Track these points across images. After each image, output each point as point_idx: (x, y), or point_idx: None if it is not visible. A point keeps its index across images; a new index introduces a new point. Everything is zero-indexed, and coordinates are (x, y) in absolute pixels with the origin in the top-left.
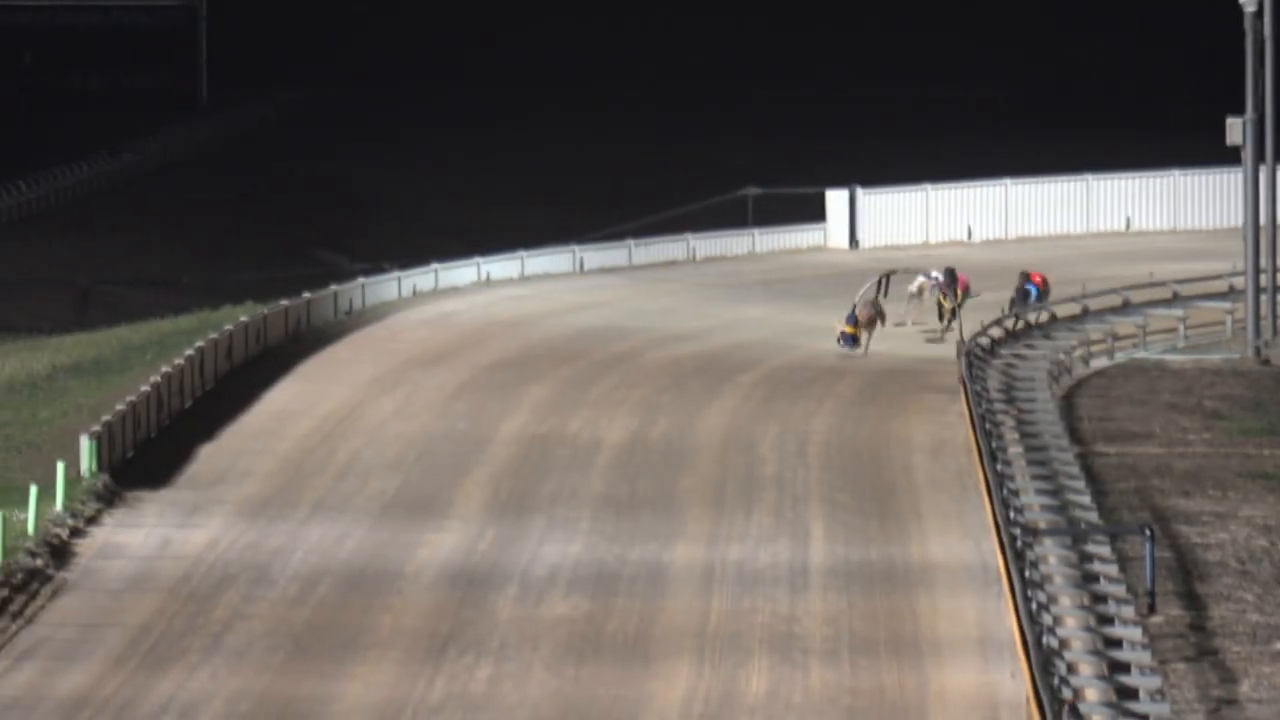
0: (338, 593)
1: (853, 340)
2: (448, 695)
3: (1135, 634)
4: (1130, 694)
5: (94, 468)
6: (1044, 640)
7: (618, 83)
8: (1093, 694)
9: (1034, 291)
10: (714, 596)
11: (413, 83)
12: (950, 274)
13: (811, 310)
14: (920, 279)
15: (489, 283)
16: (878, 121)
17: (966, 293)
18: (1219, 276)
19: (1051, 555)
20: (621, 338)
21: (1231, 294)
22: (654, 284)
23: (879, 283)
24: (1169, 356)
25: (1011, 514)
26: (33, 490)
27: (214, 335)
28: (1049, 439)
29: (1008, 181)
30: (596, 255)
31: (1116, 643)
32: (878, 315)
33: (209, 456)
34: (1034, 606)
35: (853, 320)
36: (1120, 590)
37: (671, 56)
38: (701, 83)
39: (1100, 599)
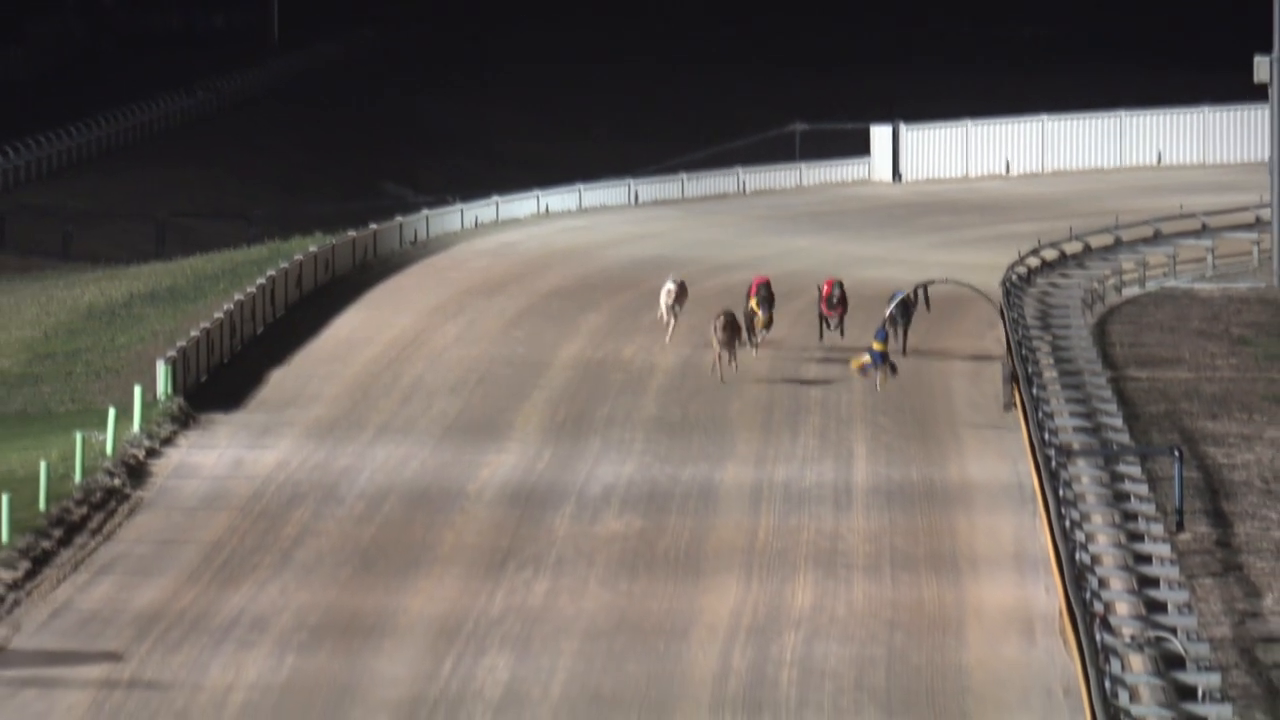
0: (402, 510)
1: (882, 357)
2: (507, 608)
3: (1164, 550)
4: (1159, 607)
5: (169, 391)
6: (1077, 556)
7: (675, 23)
8: (1123, 608)
9: (899, 295)
10: (762, 514)
11: (479, 20)
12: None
13: (856, 241)
14: (668, 284)
15: (548, 214)
16: (923, 59)
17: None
18: (1246, 209)
19: (1084, 475)
20: (674, 267)
21: (1258, 225)
22: (705, 216)
23: (915, 292)
24: (1198, 285)
25: (1046, 435)
26: (111, 413)
27: (284, 265)
28: (1083, 364)
29: (1044, 118)
30: (651, 188)
31: (1146, 559)
32: (741, 325)
33: (279, 380)
34: (1067, 524)
35: (882, 336)
36: (1150, 509)
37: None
38: (758, 18)
39: (1131, 517)
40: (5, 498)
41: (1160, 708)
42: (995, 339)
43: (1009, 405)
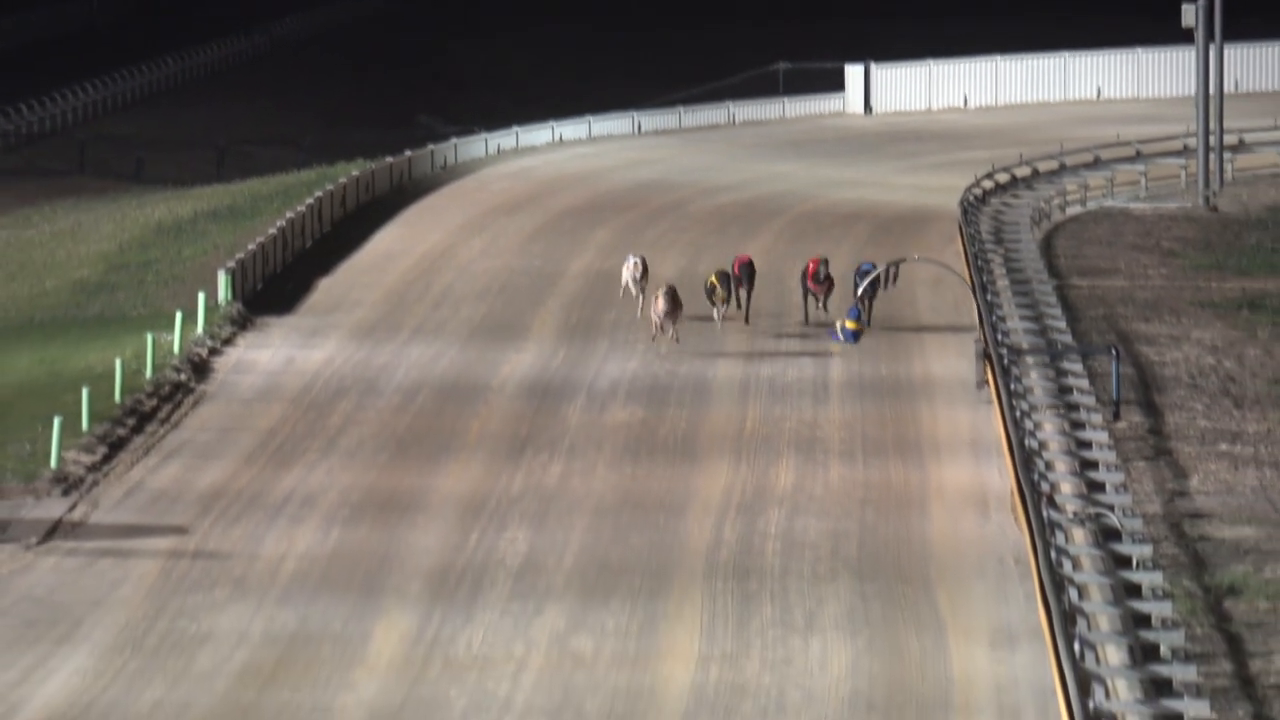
0: (433, 402)
1: (855, 336)
2: (525, 488)
3: (1103, 437)
4: (1098, 487)
5: (229, 297)
6: (1026, 442)
7: None
8: (1066, 487)
9: (870, 268)
10: (749, 406)
11: None
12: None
13: (832, 166)
14: (630, 261)
15: (561, 143)
16: (891, 6)
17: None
18: (1174, 138)
19: (1033, 371)
20: (672, 189)
21: (1185, 152)
22: (700, 144)
23: (887, 270)
24: (1132, 205)
25: (999, 336)
26: (178, 316)
27: (330, 187)
28: (1031, 274)
29: (998, 58)
30: (652, 119)
31: (1087, 445)
32: (677, 305)
33: (326, 288)
34: (1018, 414)
35: (855, 314)
36: (1090, 401)
37: None
38: None
39: (1073, 408)
40: (85, 391)
41: (1099, 575)
42: (954, 252)
43: (982, 384)
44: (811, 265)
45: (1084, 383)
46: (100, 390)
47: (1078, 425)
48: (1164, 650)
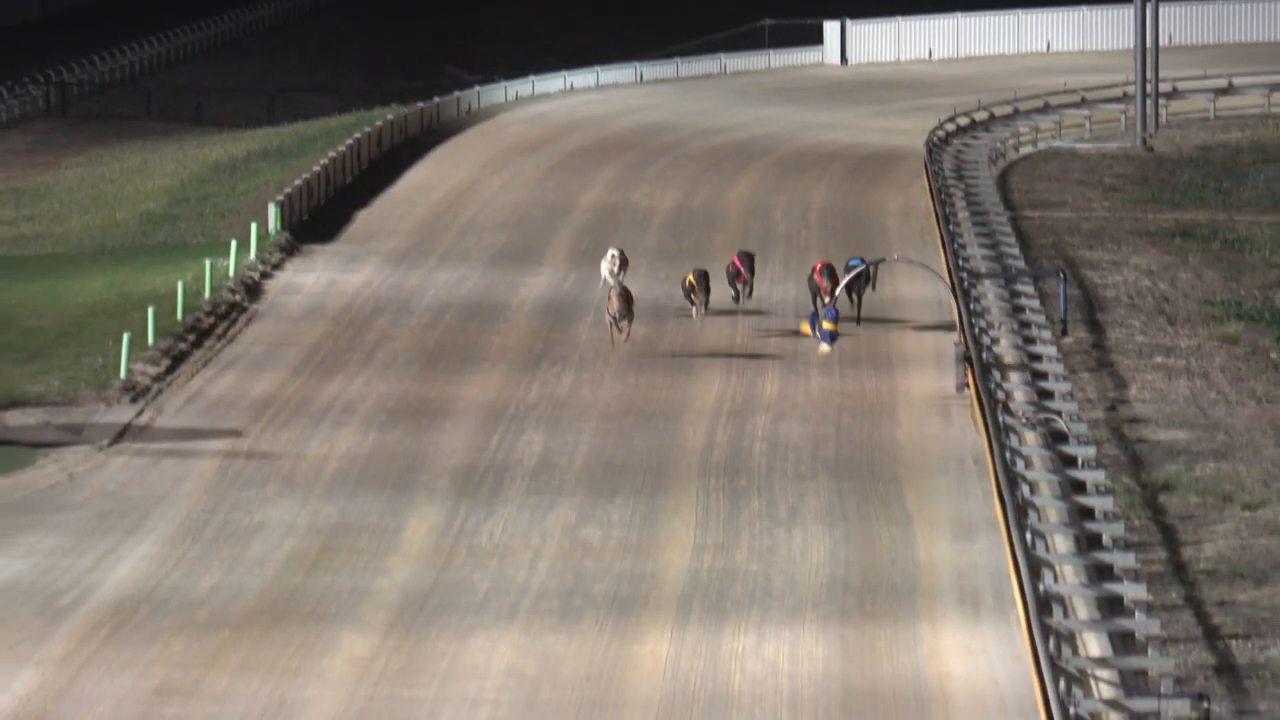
0: (459, 320)
1: (832, 337)
2: (540, 396)
3: (1051, 351)
4: (1047, 395)
5: (279, 227)
6: (984, 355)
7: None
8: (1019, 395)
9: (858, 263)
10: (738, 325)
11: None
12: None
13: (812, 111)
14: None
15: (572, 90)
16: None
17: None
18: (1116, 86)
19: (990, 293)
20: (671, 131)
21: (1125, 99)
22: (695, 91)
23: (870, 268)
24: (1078, 145)
25: (960, 262)
26: (233, 244)
27: (368, 129)
28: (988, 206)
29: (959, 15)
30: (653, 69)
31: (1037, 358)
32: (628, 301)
33: (364, 219)
34: (977, 331)
35: (833, 315)
36: (1040, 319)
37: None
38: None
39: (1026, 325)
40: (151, 310)
41: (1048, 473)
42: (920, 188)
43: (962, 386)
44: (818, 266)
45: (1035, 303)
46: (164, 309)
47: (1029, 340)
48: (1106, 539)
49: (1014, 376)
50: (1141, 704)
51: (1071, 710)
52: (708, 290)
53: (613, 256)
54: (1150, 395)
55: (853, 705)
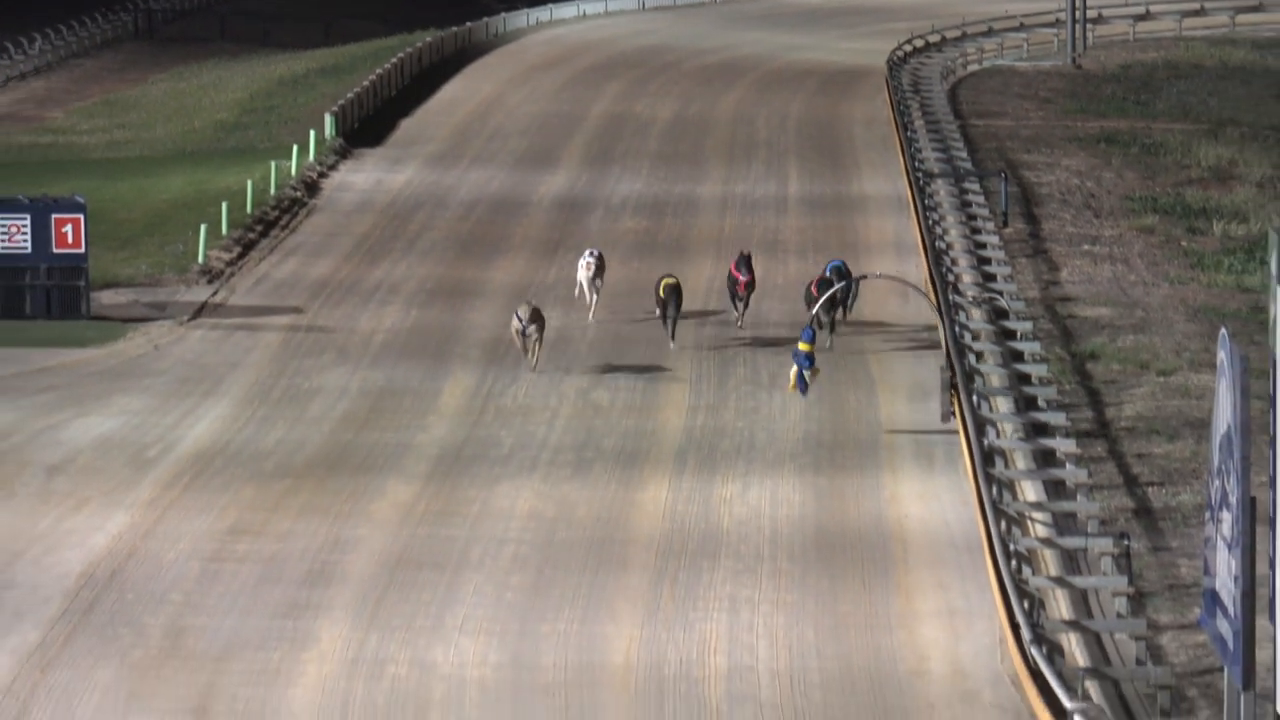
0: (488, 214)
1: (809, 359)
2: (558, 277)
3: (994, 240)
4: (991, 278)
5: (334, 134)
6: (936, 244)
7: None
8: (967, 277)
9: (839, 264)
10: (727, 217)
11: None
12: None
13: (790, 35)
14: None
15: (584, 17)
16: None
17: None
18: (1050, 13)
19: (941, 190)
20: (669, 52)
21: (1057, 24)
22: (691, 18)
23: (847, 287)
24: (1017, 64)
25: (916, 163)
26: (294, 149)
27: (410, 50)
28: (940, 115)
29: None
30: None
31: (982, 245)
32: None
33: (406, 127)
34: (930, 222)
35: (809, 336)
36: (985, 212)
37: None
38: None
39: (972, 218)
40: (224, 205)
41: (992, 344)
42: (882, 100)
43: (948, 416)
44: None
45: (980, 198)
46: (236, 204)
47: (975, 231)
48: (1041, 401)
49: (962, 261)
50: (1071, 541)
51: (1011, 547)
52: (679, 305)
53: (589, 264)
54: (1079, 278)
55: (824, 542)
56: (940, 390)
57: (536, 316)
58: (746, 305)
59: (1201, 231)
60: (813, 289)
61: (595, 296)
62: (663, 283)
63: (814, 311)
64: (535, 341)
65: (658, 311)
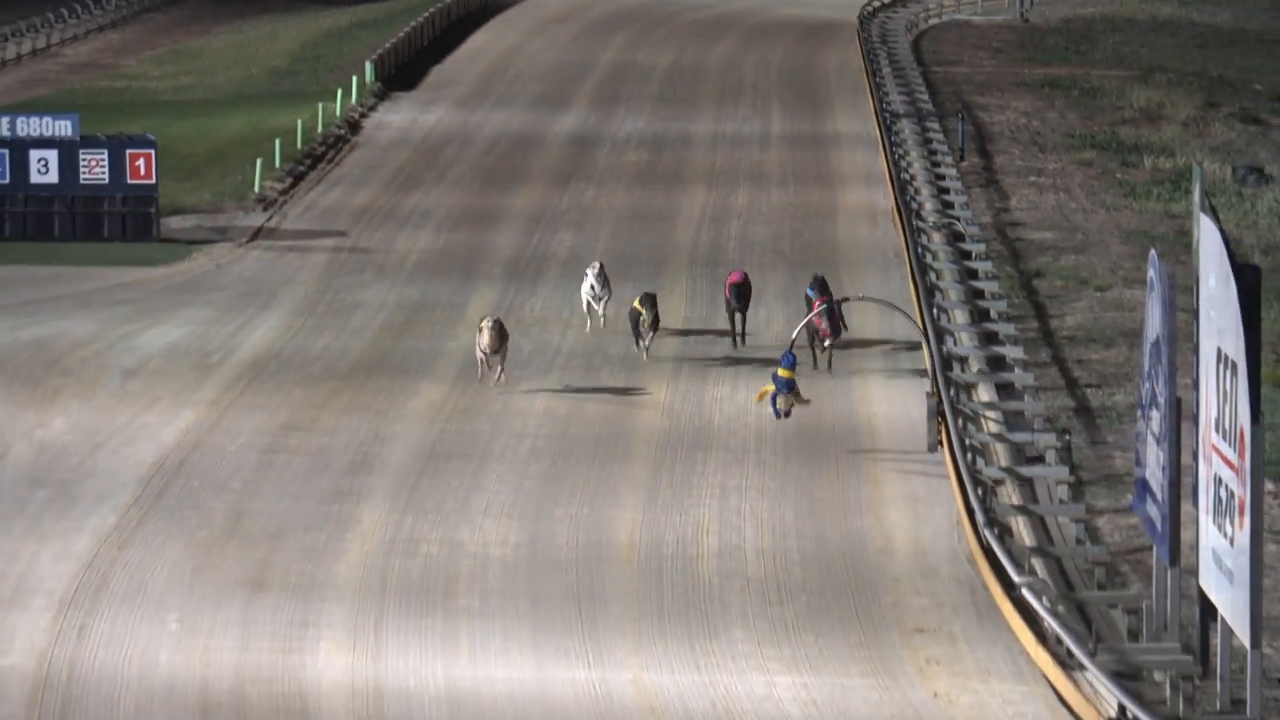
0: (509, 148)
1: (789, 385)
2: (570, 204)
3: (952, 172)
4: (949, 205)
5: (373, 79)
6: (901, 175)
7: None
8: (928, 205)
9: (823, 281)
10: (718, 151)
11: None
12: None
13: None
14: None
15: None
16: None
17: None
18: None
19: (906, 128)
20: (667, 7)
21: None
22: None
23: (831, 309)
24: (972, 18)
25: (884, 105)
26: (339, 92)
27: (440, 5)
28: (905, 64)
29: None
30: None
31: (941, 177)
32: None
33: (437, 73)
34: (896, 157)
35: (789, 362)
36: (944, 148)
37: None
38: None
39: (933, 153)
40: (277, 141)
41: (950, 263)
42: (854, 50)
43: (935, 446)
44: (816, 305)
45: (940, 136)
46: (288, 141)
47: (935, 164)
48: (992, 313)
49: (924, 191)
50: (1019, 436)
51: (967, 441)
52: (656, 320)
53: (592, 282)
54: (1026, 205)
55: (804, 435)
56: (927, 418)
57: (499, 338)
58: (744, 323)
59: (1134, 165)
60: (817, 323)
61: (604, 315)
62: (635, 301)
63: (793, 336)
64: (499, 360)
65: (640, 333)
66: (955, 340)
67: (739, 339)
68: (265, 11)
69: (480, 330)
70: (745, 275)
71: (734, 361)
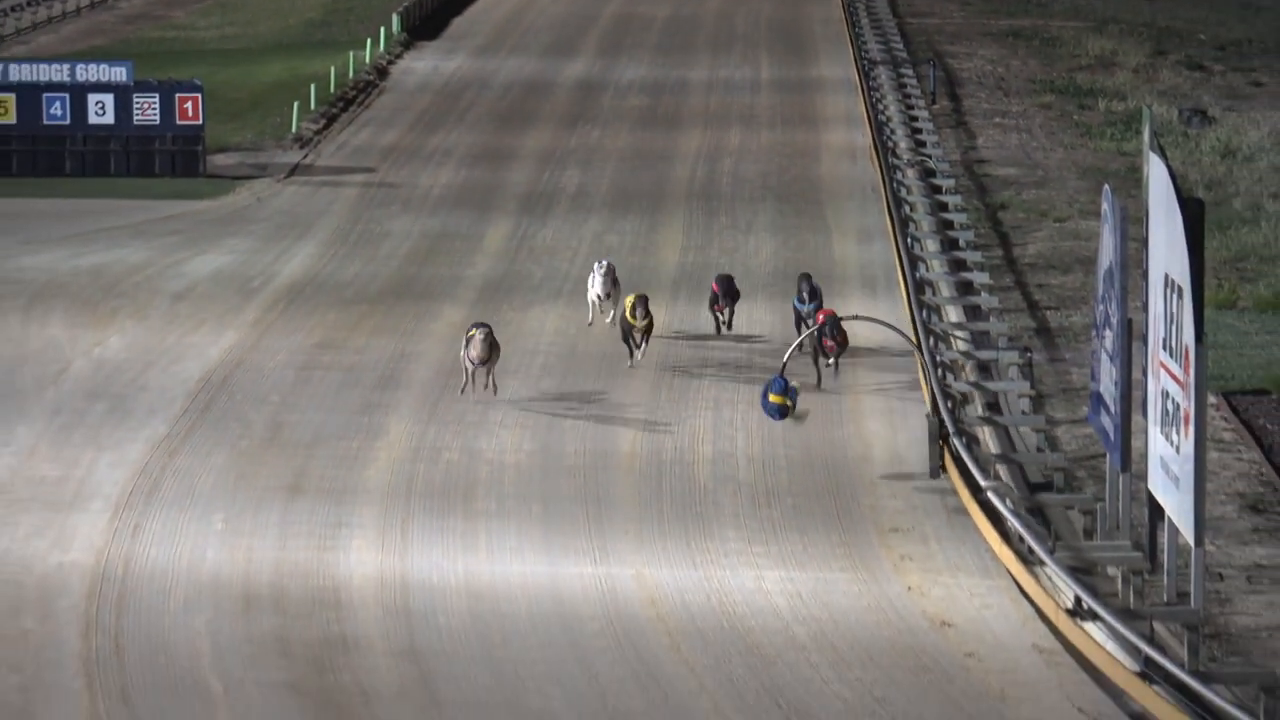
0: (522, 93)
1: (781, 412)
2: (578, 144)
3: (924, 114)
4: (922, 144)
5: (400, 30)
6: (878, 117)
7: None
8: (903, 144)
9: (816, 287)
10: (712, 96)
11: None
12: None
13: None
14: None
15: None
16: None
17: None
18: None
19: (883, 75)
20: None
21: None
22: None
23: (823, 327)
24: None
25: (863, 53)
26: (368, 41)
27: None
28: (882, 16)
29: None
30: None
31: (915, 119)
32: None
33: (458, 24)
34: (873, 100)
35: (780, 387)
36: (917, 92)
37: None
38: None
39: (907, 97)
40: (313, 86)
41: (922, 197)
42: (836, 3)
43: (938, 471)
44: (819, 319)
45: (913, 81)
46: (322, 86)
47: (910, 107)
48: (961, 242)
49: (899, 131)
50: (985, 354)
51: (938, 358)
52: (649, 328)
53: (602, 277)
54: (991, 144)
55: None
56: (929, 441)
57: (489, 348)
58: (729, 323)
59: (1089, 108)
60: (823, 342)
61: (614, 311)
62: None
63: (784, 359)
64: (486, 372)
65: (632, 342)
66: (927, 266)
67: (723, 326)
68: None
69: (469, 340)
70: (732, 279)
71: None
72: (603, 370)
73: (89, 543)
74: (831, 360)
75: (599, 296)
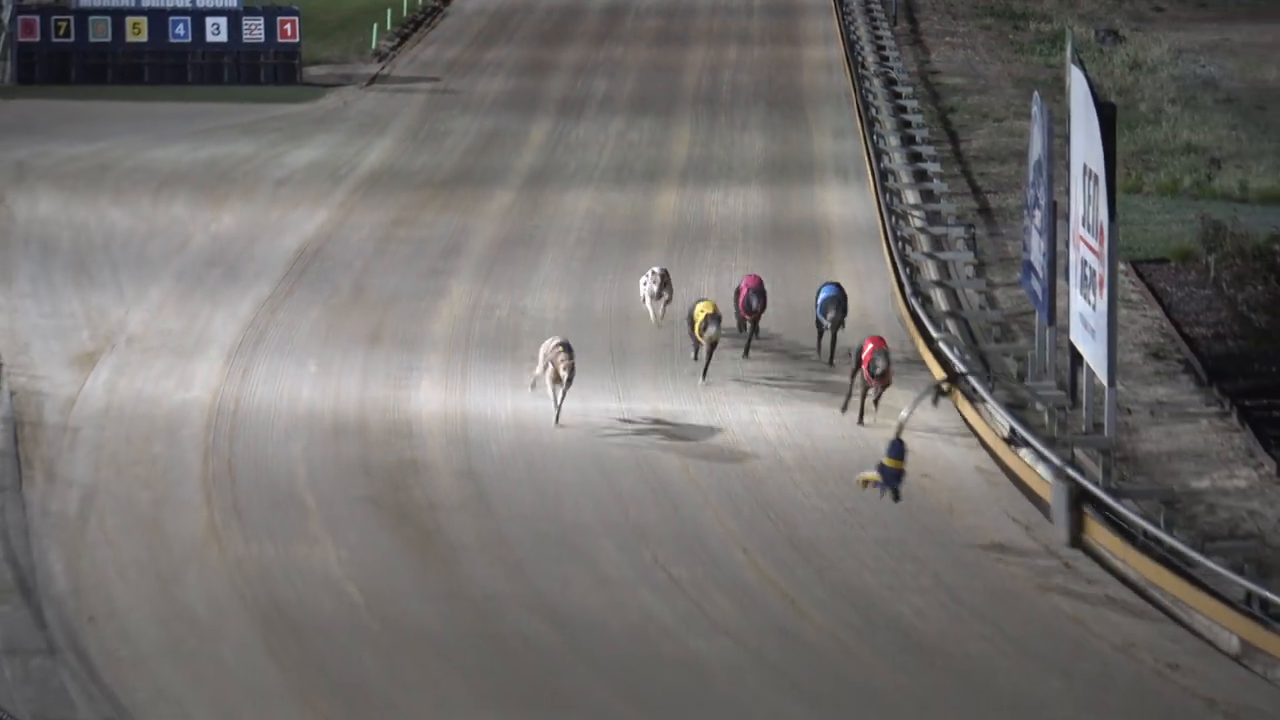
0: (560, 17)
1: (897, 478)
2: (606, 57)
3: (888, 34)
4: (885, 59)
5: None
6: (849, 35)
7: None
8: (870, 59)
9: (835, 291)
10: (714, 19)
11: None
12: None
13: None
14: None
15: None
16: None
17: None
18: None
19: (853, 2)
20: None
21: None
22: None
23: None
24: None
25: None
26: None
27: None
28: None
29: None
30: None
31: (880, 37)
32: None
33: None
34: (846, 22)
35: (897, 450)
36: (882, 16)
37: None
38: None
39: (873, 19)
40: (389, 11)
41: (886, 102)
42: None
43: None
44: (867, 351)
45: (879, 6)
46: (397, 10)
47: (875, 27)
48: (917, 138)
49: (865, 47)
50: (936, 230)
51: (898, 233)
52: (669, 289)
53: (653, 276)
54: (942, 59)
55: (779, 229)
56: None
57: (572, 367)
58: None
59: (1022, 29)
60: (864, 373)
61: (662, 311)
62: (699, 308)
63: (898, 421)
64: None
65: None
66: (889, 158)
67: (752, 336)
68: None
69: (553, 358)
70: (760, 281)
71: (727, 174)
72: (625, 242)
73: (207, 383)
74: (877, 398)
75: (651, 295)
